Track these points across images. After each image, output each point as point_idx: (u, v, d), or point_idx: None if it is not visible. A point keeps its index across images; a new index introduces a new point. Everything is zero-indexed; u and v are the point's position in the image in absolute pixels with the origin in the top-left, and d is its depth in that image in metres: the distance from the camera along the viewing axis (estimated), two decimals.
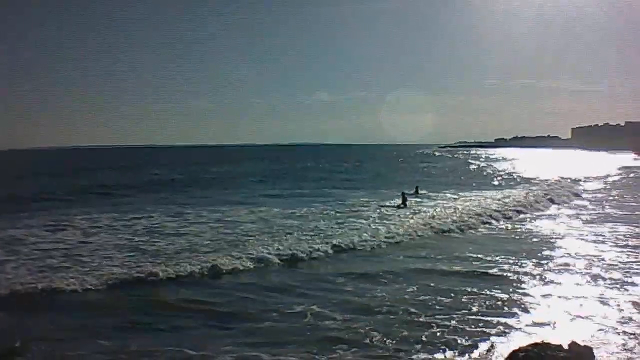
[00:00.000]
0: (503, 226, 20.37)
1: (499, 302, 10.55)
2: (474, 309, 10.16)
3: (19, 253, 14.84)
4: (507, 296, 10.92)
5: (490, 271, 13.11)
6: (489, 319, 9.56)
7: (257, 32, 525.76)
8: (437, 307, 10.25)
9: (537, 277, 12.51)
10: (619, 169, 59.18)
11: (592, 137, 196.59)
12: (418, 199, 28.25)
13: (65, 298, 11.13)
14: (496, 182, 43.65)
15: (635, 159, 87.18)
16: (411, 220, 20.11)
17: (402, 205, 24.66)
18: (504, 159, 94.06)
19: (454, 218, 20.72)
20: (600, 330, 8.94)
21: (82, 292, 11.41)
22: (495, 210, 22.99)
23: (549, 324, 9.26)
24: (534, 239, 17.48)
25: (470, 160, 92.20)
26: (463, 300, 10.77)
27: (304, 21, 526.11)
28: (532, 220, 21.75)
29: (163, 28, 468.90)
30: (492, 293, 11.14)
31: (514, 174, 52.30)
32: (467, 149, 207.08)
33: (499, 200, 26.89)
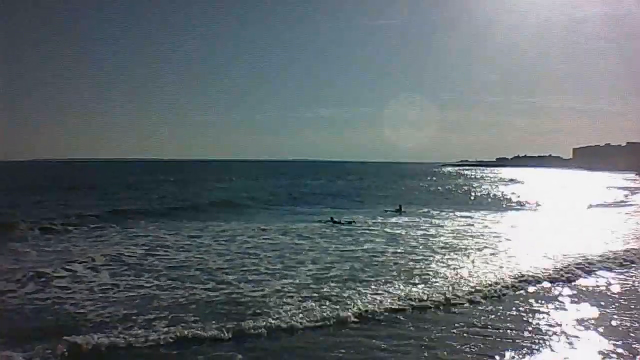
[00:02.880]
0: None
1: (502, 322, 10.30)
2: (475, 322, 10.04)
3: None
4: (511, 315, 10.71)
5: (492, 292, 12.68)
6: (492, 339, 9.35)
7: (259, 47, 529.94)
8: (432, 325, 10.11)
9: (542, 298, 12.26)
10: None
11: (594, 157, 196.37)
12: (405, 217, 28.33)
13: None
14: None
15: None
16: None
17: (335, 222, 24.84)
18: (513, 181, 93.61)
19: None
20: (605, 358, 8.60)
21: None
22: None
23: (551, 350, 8.92)
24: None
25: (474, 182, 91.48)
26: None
27: (305, 37, 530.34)
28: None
29: (161, 40, 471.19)
30: (497, 314, 10.92)
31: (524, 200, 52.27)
32: (470, 168, 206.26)
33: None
